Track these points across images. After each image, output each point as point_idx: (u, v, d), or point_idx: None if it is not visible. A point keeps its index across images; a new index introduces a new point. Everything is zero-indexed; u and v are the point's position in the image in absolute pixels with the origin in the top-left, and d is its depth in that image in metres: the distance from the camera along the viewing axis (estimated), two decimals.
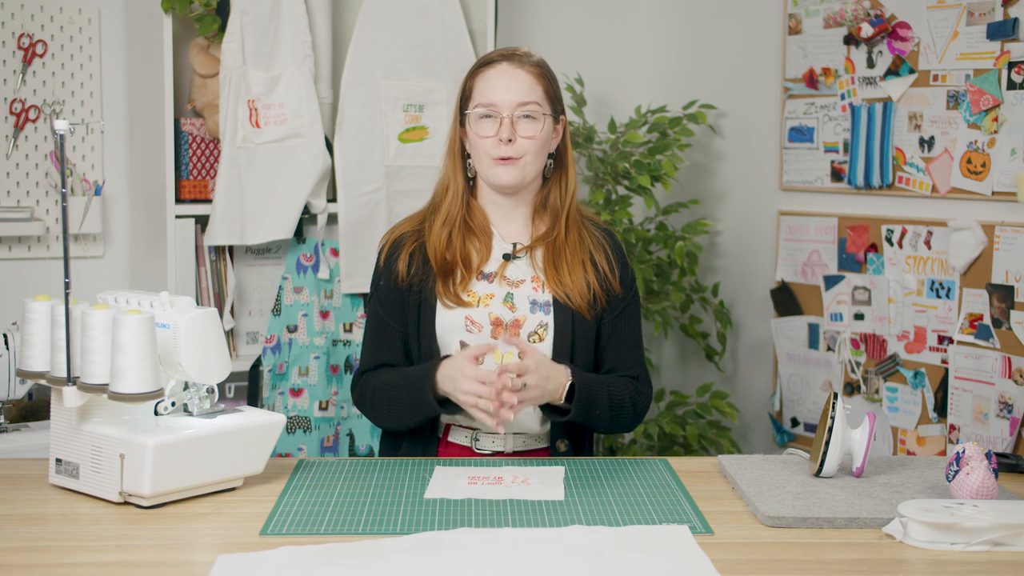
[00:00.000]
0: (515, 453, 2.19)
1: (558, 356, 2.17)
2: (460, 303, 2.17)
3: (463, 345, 2.16)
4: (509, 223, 2.25)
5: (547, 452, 2.22)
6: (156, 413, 1.87)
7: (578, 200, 2.28)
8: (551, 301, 2.19)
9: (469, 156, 2.23)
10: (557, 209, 2.24)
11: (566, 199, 2.24)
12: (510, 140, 2.14)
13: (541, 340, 2.18)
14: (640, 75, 3.87)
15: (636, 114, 3.56)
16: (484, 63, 2.20)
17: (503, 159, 2.15)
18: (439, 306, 2.18)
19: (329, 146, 3.09)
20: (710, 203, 3.68)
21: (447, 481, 1.95)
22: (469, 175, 2.25)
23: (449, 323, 2.17)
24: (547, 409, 2.13)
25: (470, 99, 2.20)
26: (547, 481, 1.96)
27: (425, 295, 2.19)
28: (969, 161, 2.90)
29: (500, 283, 2.20)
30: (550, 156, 2.23)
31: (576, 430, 2.23)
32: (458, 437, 2.21)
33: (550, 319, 2.18)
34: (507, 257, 2.22)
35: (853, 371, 3.23)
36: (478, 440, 2.19)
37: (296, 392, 3.09)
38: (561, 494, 1.89)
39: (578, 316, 2.19)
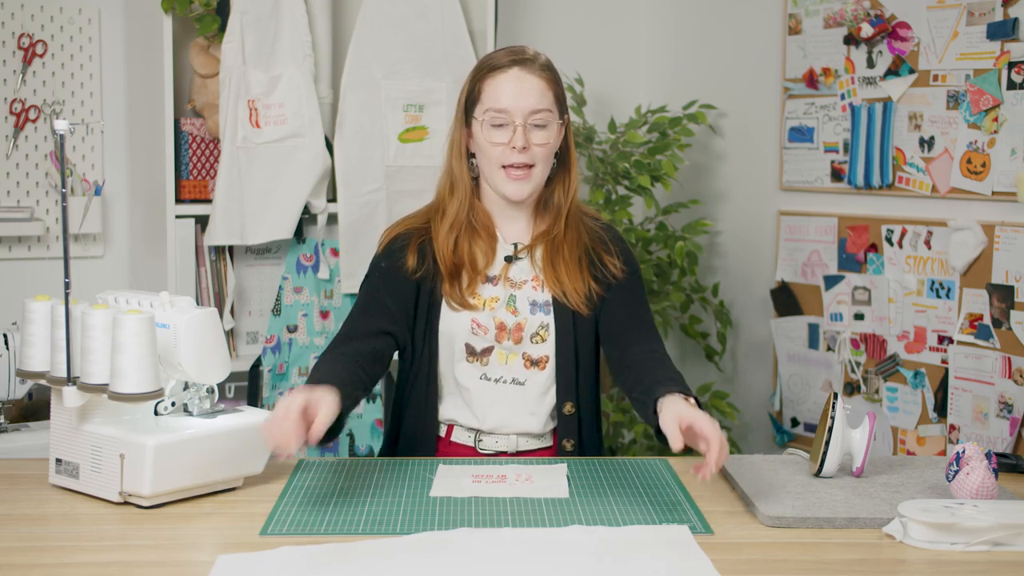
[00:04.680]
0: (518, 453, 2.19)
1: (561, 355, 2.17)
2: (466, 306, 2.17)
3: (468, 348, 2.16)
4: (511, 223, 2.24)
5: (551, 452, 2.22)
6: (156, 413, 1.87)
7: (579, 200, 2.27)
8: (551, 301, 2.19)
9: (473, 156, 2.23)
10: (559, 207, 2.23)
11: (568, 198, 2.23)
12: (524, 148, 2.13)
13: (543, 341, 2.17)
14: (640, 75, 3.87)
15: (636, 114, 3.56)
16: (494, 67, 2.16)
17: (514, 170, 2.14)
18: (444, 307, 2.18)
19: (329, 146, 3.09)
20: (710, 203, 3.67)
21: (451, 479, 1.95)
22: (473, 175, 2.24)
23: (455, 325, 2.17)
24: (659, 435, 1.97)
25: (478, 102, 2.17)
26: (551, 478, 1.96)
27: (434, 295, 2.19)
28: (969, 161, 2.90)
29: (504, 285, 2.19)
30: (554, 156, 2.23)
31: (584, 428, 2.23)
32: (461, 437, 2.21)
33: (551, 319, 2.18)
34: (509, 259, 2.22)
35: (853, 371, 3.23)
36: (481, 440, 2.19)
37: None
38: (565, 491, 1.89)
39: (578, 314, 2.19)
